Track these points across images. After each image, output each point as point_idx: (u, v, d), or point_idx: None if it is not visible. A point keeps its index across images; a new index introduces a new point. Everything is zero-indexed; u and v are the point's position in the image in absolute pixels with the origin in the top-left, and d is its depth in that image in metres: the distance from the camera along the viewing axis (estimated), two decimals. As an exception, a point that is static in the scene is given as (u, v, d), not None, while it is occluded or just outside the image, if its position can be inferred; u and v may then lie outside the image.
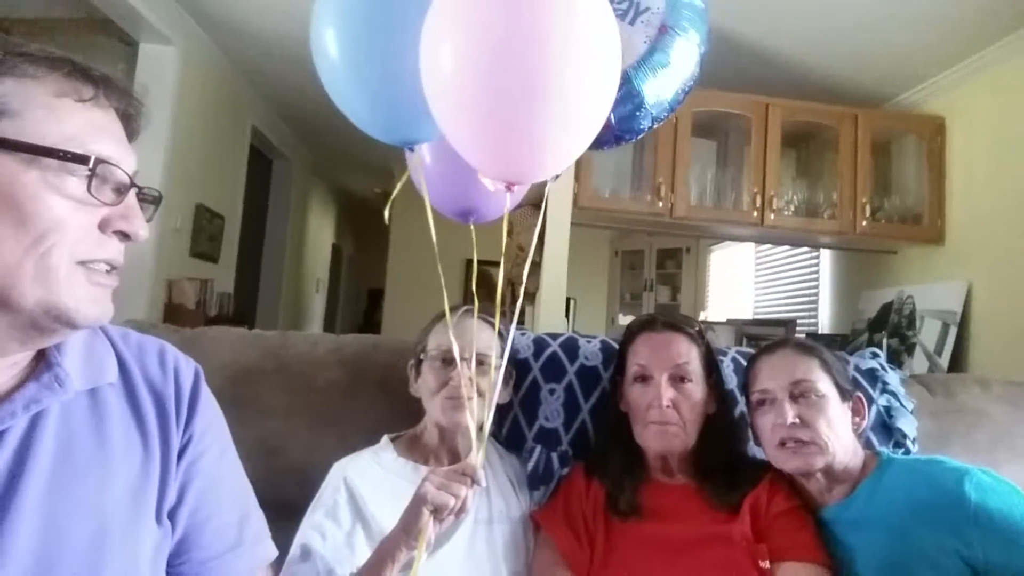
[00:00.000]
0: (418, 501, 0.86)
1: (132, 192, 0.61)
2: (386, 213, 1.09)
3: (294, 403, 1.26)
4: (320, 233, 6.82)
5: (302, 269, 6.06)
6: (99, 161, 0.58)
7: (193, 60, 3.37)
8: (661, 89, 0.99)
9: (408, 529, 0.86)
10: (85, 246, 0.57)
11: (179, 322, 3.25)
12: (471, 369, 1.07)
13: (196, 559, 0.68)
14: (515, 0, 0.74)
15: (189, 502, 0.68)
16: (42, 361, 0.62)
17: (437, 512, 0.85)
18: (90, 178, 0.57)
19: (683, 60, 0.99)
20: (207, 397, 0.73)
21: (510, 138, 0.78)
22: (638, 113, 0.99)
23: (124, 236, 0.60)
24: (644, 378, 1.13)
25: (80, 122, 0.58)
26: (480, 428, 0.95)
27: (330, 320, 7.60)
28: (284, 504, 0.99)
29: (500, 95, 0.74)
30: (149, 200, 0.65)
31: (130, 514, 0.62)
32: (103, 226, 0.59)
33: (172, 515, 0.67)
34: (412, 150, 0.96)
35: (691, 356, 1.14)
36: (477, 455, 0.90)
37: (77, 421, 0.62)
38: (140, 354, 0.70)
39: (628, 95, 0.96)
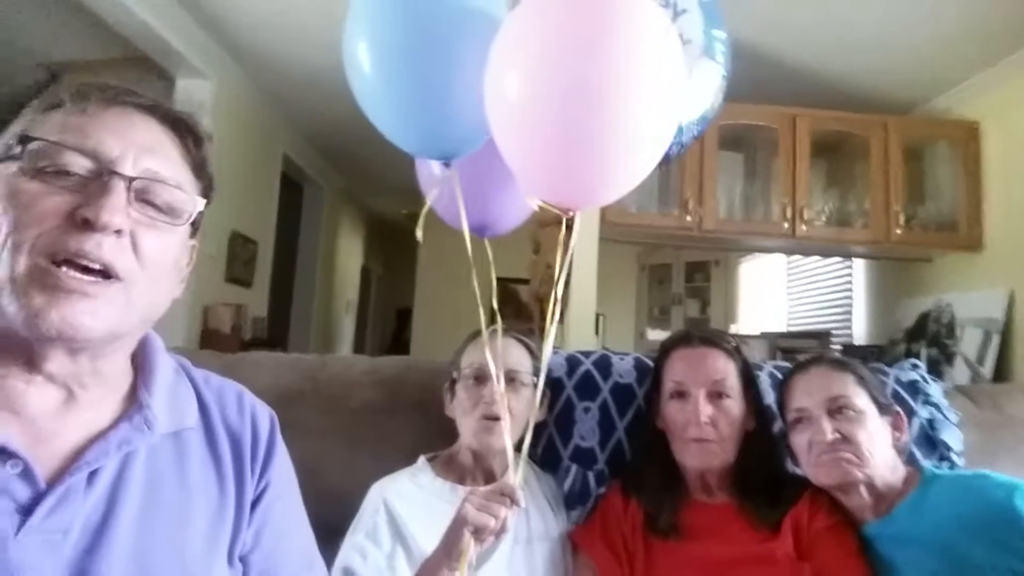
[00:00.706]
0: (459, 523, 0.86)
1: (115, 182, 0.58)
2: (419, 232, 1.11)
3: (331, 425, 1.28)
4: (349, 255, 6.92)
5: (332, 291, 6.15)
6: (27, 138, 0.57)
7: (227, 92, 3.48)
8: (689, 117, 1.01)
9: (449, 551, 0.86)
10: (46, 238, 0.55)
11: (215, 347, 3.32)
12: (503, 386, 1.08)
13: None
14: (589, 32, 0.76)
15: (264, 546, 0.69)
16: (133, 401, 0.64)
17: (478, 533, 0.85)
18: (21, 155, 0.57)
19: (711, 89, 1.01)
20: (282, 444, 0.75)
21: (578, 168, 0.80)
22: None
23: (86, 223, 0.56)
24: (681, 394, 1.13)
25: (47, 123, 0.59)
26: (517, 448, 0.95)
27: (360, 340, 7.68)
28: (323, 525, 1.00)
29: (571, 128, 0.76)
30: (158, 207, 0.61)
31: (206, 555, 0.64)
32: (70, 216, 0.56)
33: (246, 558, 0.68)
34: (448, 165, 0.96)
35: (728, 371, 1.13)
36: (516, 475, 0.90)
37: (162, 463, 0.64)
38: (220, 398, 0.72)
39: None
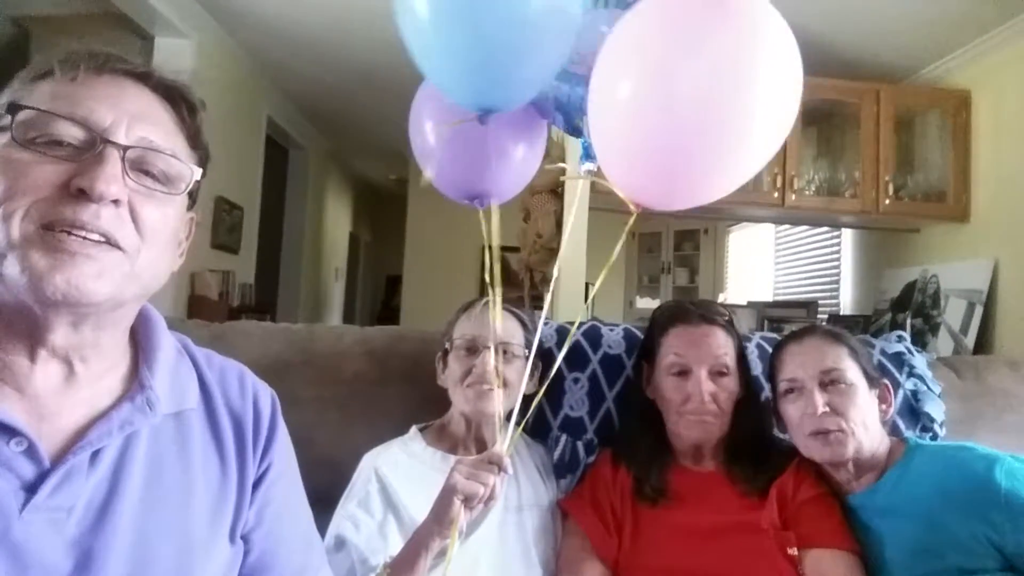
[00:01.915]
0: (448, 492, 0.87)
1: (109, 151, 0.57)
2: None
3: (323, 395, 1.28)
4: (337, 221, 6.85)
5: (321, 258, 6.11)
6: (16, 107, 0.56)
7: (207, 52, 3.38)
8: None
9: (440, 519, 0.87)
10: (40, 207, 0.55)
11: (203, 313, 3.30)
12: (495, 358, 1.08)
13: None
14: (705, 37, 0.75)
15: (266, 525, 0.70)
16: (135, 380, 0.64)
17: (467, 501, 0.86)
18: (10, 125, 0.56)
19: None
20: (283, 424, 0.75)
21: (680, 176, 0.81)
22: None
23: (82, 193, 0.55)
24: (683, 372, 1.13)
25: (36, 92, 0.58)
26: (508, 417, 0.96)
27: (349, 308, 7.66)
28: (316, 494, 1.01)
29: (676, 137, 0.77)
30: (154, 176, 0.61)
31: (208, 533, 0.64)
32: (65, 186, 0.56)
33: (247, 537, 0.69)
34: (484, 122, 0.93)
35: (728, 349, 1.13)
36: (504, 443, 0.91)
37: (165, 443, 0.64)
38: (222, 378, 0.72)
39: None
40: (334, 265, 6.74)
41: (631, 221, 0.90)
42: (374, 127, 5.10)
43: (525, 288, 3.11)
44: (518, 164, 1.14)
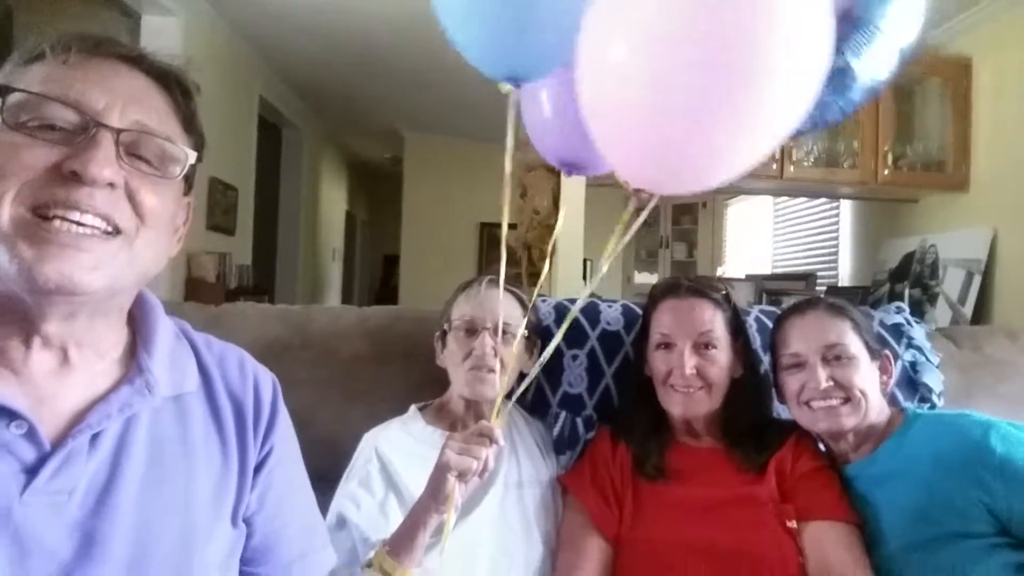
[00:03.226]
0: (442, 468, 0.87)
1: (103, 134, 0.56)
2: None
3: (321, 376, 1.28)
4: (333, 201, 6.81)
5: (317, 238, 6.08)
6: (6, 89, 0.55)
7: (196, 30, 3.32)
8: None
9: (435, 496, 0.88)
10: (31, 188, 0.54)
11: (200, 296, 3.29)
12: (495, 339, 1.08)
13: (277, 561, 0.72)
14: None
15: (268, 510, 0.70)
16: (133, 363, 0.63)
17: (461, 476, 0.86)
18: (1, 109, 0.55)
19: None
20: (284, 409, 0.75)
21: (685, 152, 0.69)
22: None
23: (74, 176, 0.54)
24: (667, 345, 1.13)
25: (27, 75, 0.57)
26: (508, 396, 0.96)
27: (347, 288, 7.66)
28: (316, 475, 1.01)
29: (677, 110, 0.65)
30: (149, 161, 0.60)
31: (210, 516, 0.64)
32: (57, 168, 0.55)
33: (250, 520, 0.69)
34: (518, 86, 0.86)
35: (716, 323, 1.13)
36: (496, 417, 0.92)
37: (165, 426, 0.64)
38: (221, 362, 0.71)
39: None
40: (331, 245, 6.72)
41: (631, 208, 0.82)
42: (368, 105, 5.04)
43: (523, 266, 3.10)
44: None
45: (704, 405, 1.11)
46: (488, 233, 5.72)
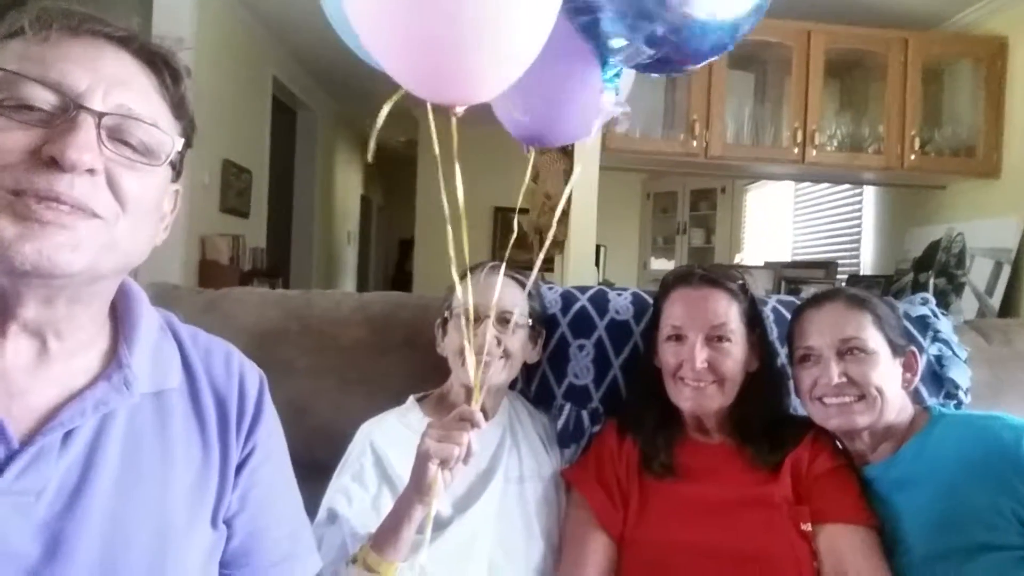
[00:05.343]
0: (423, 457, 0.85)
1: (83, 117, 0.53)
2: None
3: (320, 363, 1.25)
4: (348, 185, 6.79)
5: (332, 221, 6.07)
6: None
7: (209, 9, 3.29)
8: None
9: (419, 486, 0.85)
10: (9, 175, 0.51)
11: (213, 278, 3.30)
12: (495, 327, 1.04)
13: (257, 565, 0.69)
14: None
15: (249, 510, 0.68)
16: (113, 359, 0.61)
17: (444, 464, 0.84)
18: None
19: None
20: (270, 406, 0.72)
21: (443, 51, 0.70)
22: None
23: (53, 162, 0.52)
24: (679, 338, 1.08)
25: (4, 52, 0.54)
26: (511, 387, 0.92)
27: (363, 272, 7.66)
28: (313, 464, 0.99)
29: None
30: (133, 146, 0.57)
31: (187, 518, 0.62)
32: (36, 153, 0.52)
33: (231, 522, 0.67)
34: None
35: (730, 315, 1.07)
36: (475, 399, 0.89)
37: (142, 424, 0.61)
38: (207, 356, 0.69)
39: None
40: (346, 229, 6.72)
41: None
42: (383, 87, 4.99)
43: (535, 251, 3.05)
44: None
45: (715, 400, 1.06)
46: (503, 217, 5.68)
